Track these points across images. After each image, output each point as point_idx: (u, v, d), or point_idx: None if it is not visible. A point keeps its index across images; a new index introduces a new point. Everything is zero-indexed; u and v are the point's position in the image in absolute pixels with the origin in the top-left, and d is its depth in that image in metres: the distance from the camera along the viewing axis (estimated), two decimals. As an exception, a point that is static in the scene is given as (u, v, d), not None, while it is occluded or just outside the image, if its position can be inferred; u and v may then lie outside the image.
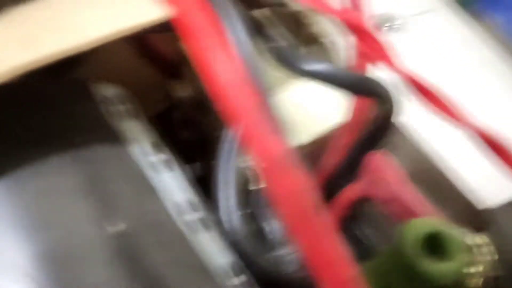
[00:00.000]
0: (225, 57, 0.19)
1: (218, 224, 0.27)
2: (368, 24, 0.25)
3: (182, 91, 0.34)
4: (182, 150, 0.41)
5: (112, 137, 0.25)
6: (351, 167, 0.33)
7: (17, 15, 0.22)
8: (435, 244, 0.23)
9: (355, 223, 0.32)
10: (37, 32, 0.20)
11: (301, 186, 0.18)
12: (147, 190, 0.24)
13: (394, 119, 0.28)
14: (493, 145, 0.25)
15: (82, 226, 0.21)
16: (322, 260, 0.18)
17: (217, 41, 0.20)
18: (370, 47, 0.24)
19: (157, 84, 0.42)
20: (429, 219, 0.23)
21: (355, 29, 0.25)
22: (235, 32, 0.21)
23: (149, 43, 0.36)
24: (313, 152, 0.34)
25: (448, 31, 0.38)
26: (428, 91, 0.25)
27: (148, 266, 0.21)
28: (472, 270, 0.25)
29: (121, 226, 0.22)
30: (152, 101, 0.45)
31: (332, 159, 0.34)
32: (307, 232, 0.18)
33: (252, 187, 0.33)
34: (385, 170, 0.28)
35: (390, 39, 0.25)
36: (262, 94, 0.20)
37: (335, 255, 0.18)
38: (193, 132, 0.38)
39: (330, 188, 0.34)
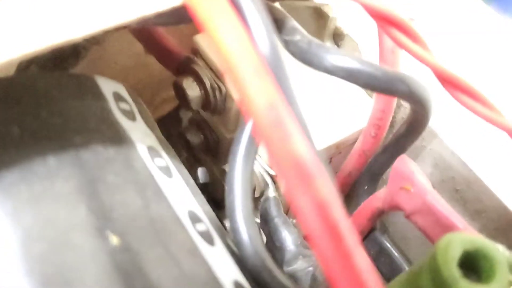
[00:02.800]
0: (246, 48, 0.17)
1: (225, 235, 0.25)
2: (397, 12, 0.22)
3: (191, 89, 0.32)
4: (191, 152, 0.39)
5: (116, 138, 0.22)
6: (375, 174, 0.30)
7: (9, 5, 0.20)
8: (473, 263, 0.21)
9: (380, 234, 0.29)
10: (30, 23, 0.18)
11: (328, 196, 0.15)
12: (155, 197, 0.22)
13: (428, 122, 0.26)
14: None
15: (78, 237, 0.18)
16: (346, 277, 0.16)
17: (236, 31, 0.18)
18: (402, 39, 0.22)
19: (165, 83, 0.40)
20: (466, 234, 0.21)
21: (383, 19, 0.22)
22: (257, 23, 0.18)
23: (157, 38, 0.34)
24: (333, 157, 0.32)
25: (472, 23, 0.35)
26: (463, 87, 0.22)
27: (152, 284, 0.19)
28: (513, 291, 0.23)
29: (123, 238, 0.19)
30: (160, 100, 0.43)
31: (354, 166, 0.31)
32: (331, 247, 0.16)
33: (258, 194, 0.31)
34: (414, 178, 0.26)
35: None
36: (286, 90, 0.18)
37: (361, 273, 0.16)
38: (202, 134, 0.36)
39: (352, 197, 0.32)
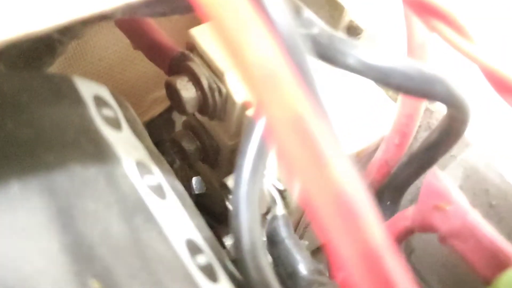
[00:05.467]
0: (263, 38, 0.13)
1: (229, 267, 0.22)
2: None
3: (185, 90, 0.28)
4: (185, 160, 0.35)
5: (97, 153, 0.19)
6: (398, 188, 0.28)
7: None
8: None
9: (406, 259, 0.26)
10: None
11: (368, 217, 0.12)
12: (145, 225, 0.18)
13: (466, 129, 0.22)
14: None
15: (49, 285, 0.15)
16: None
17: (251, 18, 0.14)
18: (445, 31, 0.18)
19: (155, 81, 0.38)
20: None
21: (422, 8, 0.19)
22: (274, 8, 0.15)
23: (147, 32, 0.31)
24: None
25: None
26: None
27: None
28: None
29: (106, 282, 0.16)
30: (149, 101, 0.40)
31: (374, 177, 0.28)
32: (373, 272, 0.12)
33: (264, 211, 0.28)
34: (450, 195, 0.23)
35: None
36: (310, 85, 0.15)
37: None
38: (199, 140, 0.33)
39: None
